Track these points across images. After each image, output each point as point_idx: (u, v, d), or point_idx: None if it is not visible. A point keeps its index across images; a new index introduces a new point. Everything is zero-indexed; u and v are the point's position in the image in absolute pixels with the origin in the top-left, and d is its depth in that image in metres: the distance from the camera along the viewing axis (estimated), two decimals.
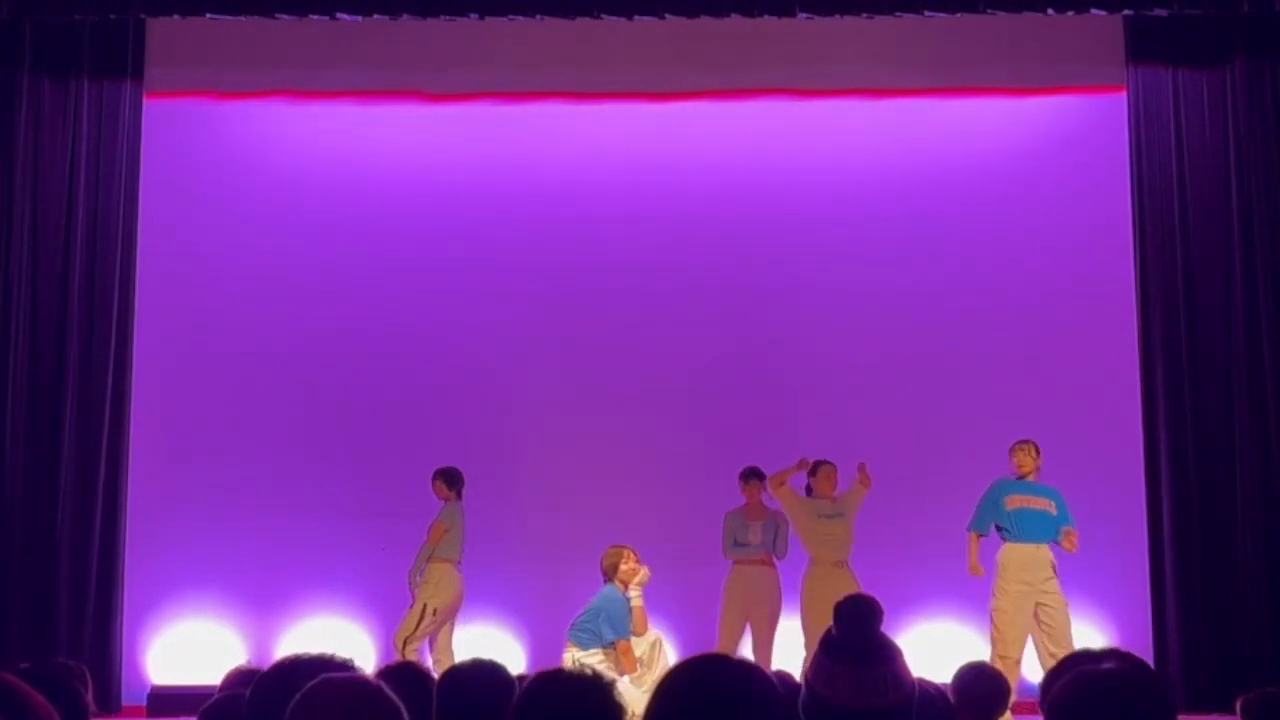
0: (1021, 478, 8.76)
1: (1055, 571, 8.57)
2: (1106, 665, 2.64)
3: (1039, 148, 10.37)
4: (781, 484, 9.19)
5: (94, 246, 10.08)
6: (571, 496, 9.96)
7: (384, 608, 9.68)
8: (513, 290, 10.32)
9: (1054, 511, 8.62)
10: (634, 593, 8.87)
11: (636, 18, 9.60)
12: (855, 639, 2.74)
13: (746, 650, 9.16)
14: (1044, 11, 9.56)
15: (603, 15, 9.56)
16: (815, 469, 9.23)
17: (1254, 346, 9.75)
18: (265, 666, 3.17)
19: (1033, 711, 5.69)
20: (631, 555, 8.96)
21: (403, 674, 3.53)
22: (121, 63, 10.24)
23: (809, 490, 9.22)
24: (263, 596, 9.96)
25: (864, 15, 9.60)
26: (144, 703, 9.62)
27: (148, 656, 9.98)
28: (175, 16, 9.82)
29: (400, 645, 9.02)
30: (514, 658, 9.59)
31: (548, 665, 3.04)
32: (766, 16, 9.56)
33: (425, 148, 10.49)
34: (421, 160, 10.49)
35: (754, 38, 10.12)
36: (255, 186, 10.44)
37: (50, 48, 10.17)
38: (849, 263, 10.29)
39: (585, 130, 10.48)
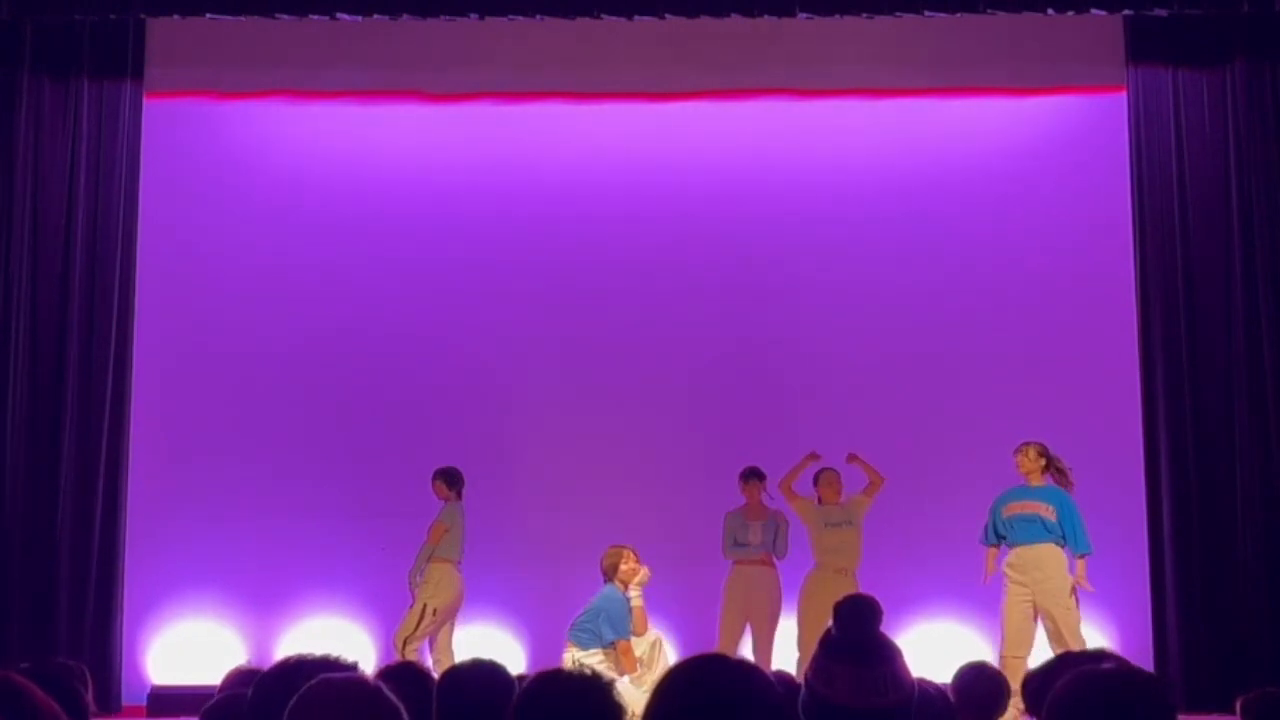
0: (1025, 481, 8.74)
1: (1058, 571, 8.49)
2: (1105, 665, 2.64)
3: (1039, 148, 10.37)
4: (790, 486, 9.20)
5: (94, 246, 10.08)
6: (571, 496, 9.96)
7: (384, 608, 9.68)
8: (513, 290, 10.32)
9: (1049, 515, 8.57)
10: (634, 593, 8.87)
11: (636, 18, 9.60)
12: (855, 639, 2.74)
13: (746, 650, 9.17)
14: (1044, 11, 9.56)
15: (603, 15, 9.56)
16: (818, 477, 9.24)
17: (1254, 346, 9.75)
18: (265, 666, 3.17)
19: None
20: (631, 555, 8.96)
21: (403, 674, 3.53)
22: (121, 63, 10.24)
23: (819, 499, 9.23)
24: (263, 596, 9.96)
25: (864, 15, 9.60)
26: (144, 703, 9.62)
27: (148, 656, 9.98)
28: (175, 16, 9.82)
29: (400, 645, 9.02)
30: (514, 658, 9.59)
31: (548, 665, 3.04)
32: (766, 16, 9.56)
33: (425, 148, 10.49)
34: (421, 160, 10.49)
35: (754, 38, 10.12)
36: (255, 186, 10.44)
37: (50, 48, 10.17)
38: (849, 263, 10.29)
39: (585, 130, 10.48)
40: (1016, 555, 8.56)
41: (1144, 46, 10.13)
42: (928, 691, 3.79)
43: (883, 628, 2.84)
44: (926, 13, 9.51)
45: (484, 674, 3.43)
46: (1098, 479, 9.52)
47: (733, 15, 9.53)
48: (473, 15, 9.56)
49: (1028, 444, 8.77)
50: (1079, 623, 8.43)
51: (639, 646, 8.79)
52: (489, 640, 9.65)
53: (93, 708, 3.68)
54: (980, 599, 9.46)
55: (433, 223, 10.43)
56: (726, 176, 10.38)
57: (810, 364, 10.20)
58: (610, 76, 10.44)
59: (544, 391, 10.21)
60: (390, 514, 9.75)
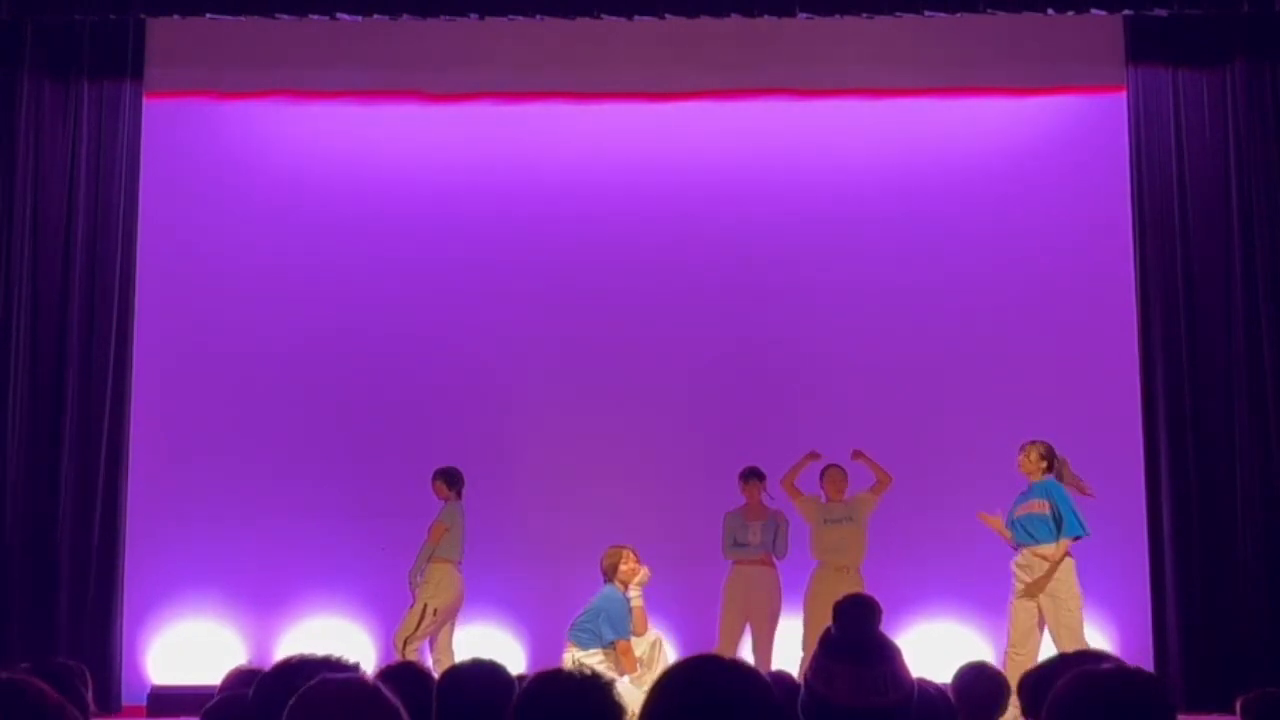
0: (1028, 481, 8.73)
1: (1061, 571, 8.45)
2: (1105, 665, 2.63)
3: (1039, 148, 10.37)
4: (792, 484, 9.20)
5: (94, 246, 10.08)
6: (571, 496, 9.96)
7: (384, 608, 9.68)
8: (513, 290, 10.32)
9: (1046, 511, 8.55)
10: (634, 593, 8.87)
11: (636, 18, 9.61)
12: (855, 638, 2.74)
13: (746, 650, 9.17)
14: (1044, 11, 9.56)
15: (603, 15, 9.56)
16: (823, 473, 9.25)
17: (1254, 346, 9.75)
18: (265, 666, 3.17)
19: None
20: (631, 555, 8.96)
21: (403, 674, 3.54)
22: (121, 63, 10.24)
23: (824, 495, 9.23)
24: (263, 596, 9.96)
25: (864, 15, 9.60)
26: (144, 703, 9.62)
27: (148, 656, 9.98)
28: (175, 16, 9.83)
29: (400, 645, 9.02)
30: (514, 658, 9.59)
31: (548, 665, 3.04)
32: (766, 16, 9.56)
33: (425, 148, 10.49)
34: (421, 160, 10.49)
35: (754, 38, 10.12)
36: (255, 186, 10.44)
37: (50, 48, 10.17)
38: (849, 262, 10.28)
39: (585, 130, 10.48)
40: (1023, 556, 8.56)
41: (1144, 46, 10.13)
42: (928, 691, 3.79)
43: (883, 627, 2.84)
44: (926, 13, 9.52)
45: (484, 674, 3.43)
46: (1098, 479, 9.50)
47: (733, 15, 9.53)
48: (473, 15, 9.56)
49: (1030, 444, 8.73)
50: (1080, 624, 8.39)
51: (639, 646, 8.79)
52: (489, 640, 9.65)
53: (93, 708, 3.68)
54: (980, 599, 9.48)
55: (433, 223, 10.43)
56: (726, 176, 10.38)
57: (810, 364, 10.20)
58: (610, 76, 10.44)
59: (544, 391, 10.21)
60: (390, 514, 9.75)
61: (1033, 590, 8.43)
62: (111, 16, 9.85)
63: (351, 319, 10.30)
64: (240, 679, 4.18)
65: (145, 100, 10.31)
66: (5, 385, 9.85)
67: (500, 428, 10.15)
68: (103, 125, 10.20)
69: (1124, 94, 10.17)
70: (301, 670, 2.87)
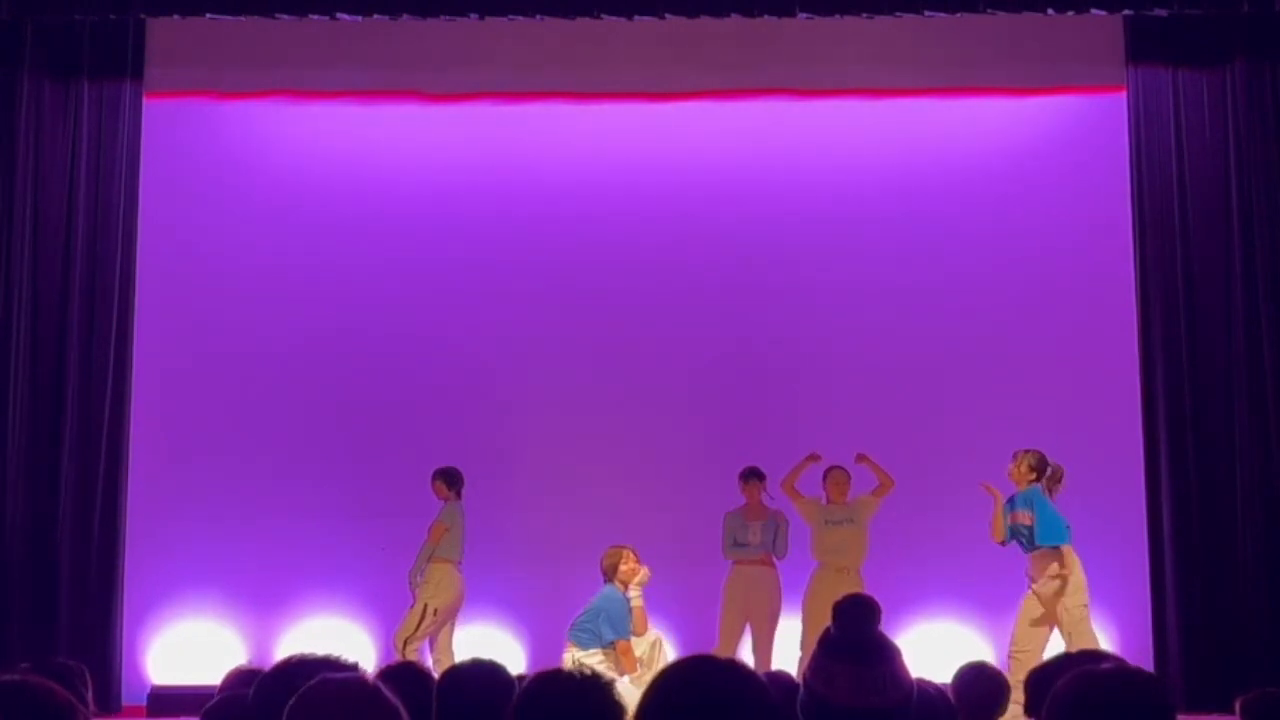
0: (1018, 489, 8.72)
1: (1049, 575, 8.43)
2: (1105, 665, 2.63)
3: (1039, 148, 10.37)
4: (792, 485, 9.20)
5: (94, 246, 10.08)
6: (571, 496, 9.95)
7: (384, 608, 9.68)
8: (513, 290, 10.32)
9: (1030, 521, 8.55)
10: (634, 593, 8.87)
11: (636, 18, 9.60)
12: (854, 638, 2.74)
13: (746, 650, 9.17)
14: (1044, 11, 9.56)
15: (603, 15, 9.56)
16: (826, 474, 9.24)
17: (1254, 346, 9.75)
18: (265, 666, 3.17)
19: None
20: (631, 555, 8.96)
21: (403, 674, 3.54)
22: (121, 63, 10.24)
23: (825, 497, 9.23)
24: (263, 596, 9.96)
25: (864, 15, 9.60)
26: (144, 703, 9.62)
27: (148, 656, 9.98)
28: (175, 16, 9.82)
29: (400, 645, 9.02)
30: (514, 658, 9.59)
31: (548, 665, 3.04)
32: (766, 16, 9.56)
33: (425, 148, 10.49)
34: (421, 160, 10.49)
35: (754, 38, 10.12)
36: (255, 186, 10.44)
37: (50, 48, 10.17)
38: (849, 262, 10.28)
39: (585, 130, 10.48)
40: (1028, 562, 8.56)
41: (1144, 46, 10.13)
42: (928, 691, 3.79)
43: (882, 627, 2.84)
44: (926, 13, 9.51)
45: (484, 674, 3.43)
46: (1098, 479, 9.53)
47: (733, 15, 9.53)
48: (473, 15, 9.56)
49: (1024, 453, 8.70)
50: (1088, 625, 8.36)
51: (639, 646, 8.79)
52: (489, 640, 9.65)
53: (93, 708, 3.68)
54: (980, 599, 9.48)
55: (433, 223, 10.43)
56: (726, 176, 10.38)
57: (810, 363, 10.20)
58: (610, 76, 10.44)
59: (544, 391, 10.20)
60: (390, 514, 9.75)
61: (1040, 595, 8.43)
62: (111, 16, 9.85)
63: (351, 319, 10.30)
64: (240, 679, 4.18)
65: (145, 100, 10.31)
66: (5, 385, 9.85)
67: (500, 428, 10.14)
68: (103, 125, 10.20)
69: (1124, 94, 10.17)
70: (302, 670, 2.87)
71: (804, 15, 9.50)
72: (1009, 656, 8.25)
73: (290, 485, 10.05)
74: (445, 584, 9.15)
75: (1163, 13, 9.67)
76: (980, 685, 4.56)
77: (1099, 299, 10.17)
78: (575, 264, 10.36)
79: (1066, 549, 8.43)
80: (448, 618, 9.22)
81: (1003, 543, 8.69)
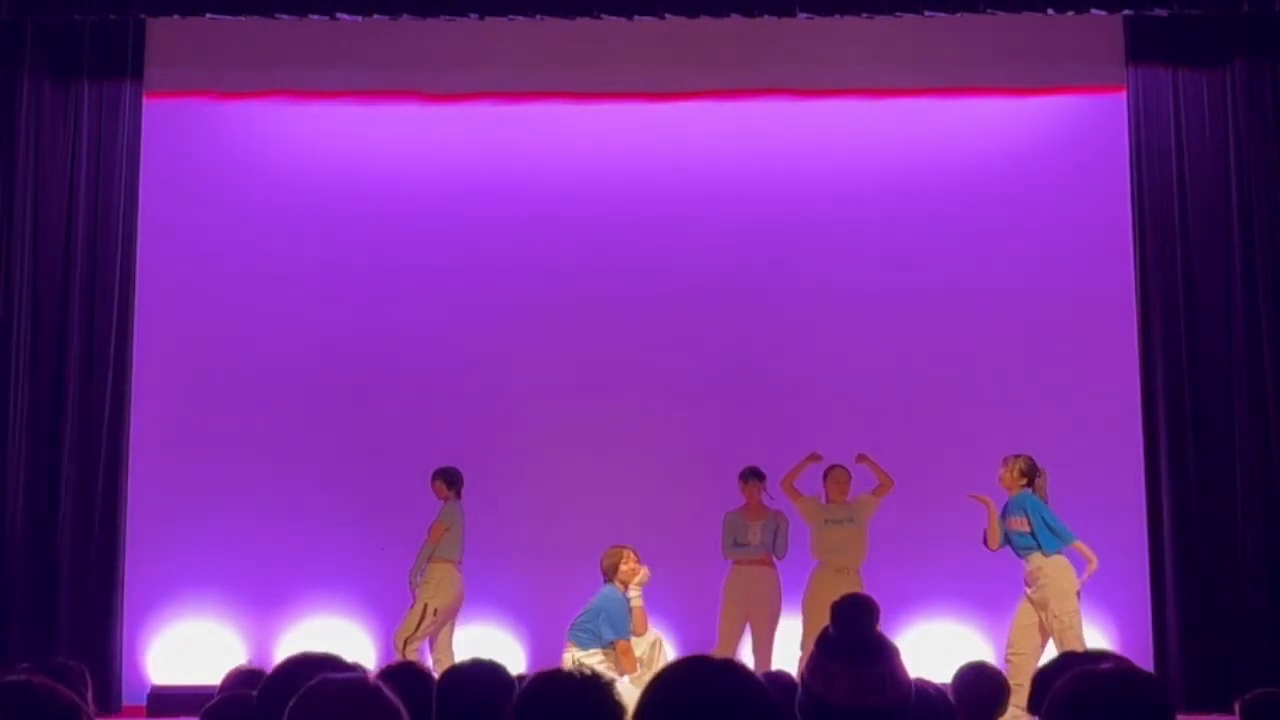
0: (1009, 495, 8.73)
1: (1050, 581, 8.42)
2: (1104, 665, 2.63)
3: (1039, 148, 10.37)
4: (792, 485, 9.20)
5: (94, 246, 10.08)
6: (572, 497, 9.95)
7: (384, 608, 9.68)
8: (513, 290, 10.32)
9: (1024, 527, 8.55)
10: (634, 593, 8.87)
11: (636, 18, 9.60)
12: (853, 638, 2.74)
13: (746, 650, 9.17)
14: (1044, 11, 9.56)
15: (603, 15, 9.56)
16: (826, 474, 9.24)
17: (1254, 346, 9.75)
18: (265, 666, 3.18)
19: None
20: (631, 555, 8.96)
21: (403, 674, 3.54)
22: (121, 63, 10.24)
23: (826, 496, 9.23)
24: (263, 596, 9.96)
25: (864, 15, 9.60)
26: (144, 703, 9.62)
27: (148, 656, 9.98)
28: (175, 16, 9.82)
29: (400, 645, 9.02)
30: (514, 658, 9.59)
31: (548, 665, 3.04)
32: (766, 16, 9.56)
33: (425, 148, 10.49)
34: (421, 160, 10.49)
35: (754, 38, 10.12)
36: (255, 186, 10.44)
37: (50, 48, 10.17)
38: (849, 262, 10.28)
39: (585, 130, 10.48)
40: (1024, 569, 8.57)
41: (1144, 46, 10.13)
42: (927, 691, 3.79)
43: (882, 628, 2.85)
44: (926, 13, 9.51)
45: (484, 674, 3.43)
46: (1098, 479, 9.54)
47: (733, 15, 9.53)
48: (473, 15, 9.56)
49: (1013, 458, 8.71)
50: (1078, 630, 8.35)
51: (639, 646, 8.79)
52: (489, 640, 9.65)
53: (93, 708, 3.69)
54: (980, 599, 9.48)
55: (433, 223, 10.43)
56: (726, 176, 10.38)
57: (810, 363, 10.19)
58: (610, 76, 10.44)
59: (544, 392, 10.20)
60: (390, 514, 9.74)
61: (1035, 602, 8.43)
62: (111, 16, 9.85)
63: (351, 319, 10.30)
64: (240, 679, 4.19)
65: (145, 100, 10.31)
66: (6, 385, 9.85)
67: (500, 428, 10.14)
68: (103, 125, 10.20)
69: (1124, 94, 10.17)
70: (305, 669, 2.87)
71: (804, 15, 9.49)
72: (1005, 660, 8.24)
73: (290, 485, 10.05)
74: (445, 584, 9.15)
75: (1163, 13, 9.67)
76: (980, 685, 4.56)
77: (1099, 299, 10.17)
78: (575, 264, 10.36)
79: (1059, 558, 8.45)
80: (448, 618, 9.22)
81: (996, 549, 8.70)
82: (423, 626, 9.07)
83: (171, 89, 10.42)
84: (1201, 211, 9.94)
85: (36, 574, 9.71)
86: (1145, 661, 9.06)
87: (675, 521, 9.69)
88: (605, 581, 8.92)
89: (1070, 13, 9.60)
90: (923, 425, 9.97)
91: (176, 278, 10.30)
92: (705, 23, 9.67)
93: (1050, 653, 8.16)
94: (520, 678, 3.26)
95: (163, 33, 10.36)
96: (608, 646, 8.70)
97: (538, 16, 9.57)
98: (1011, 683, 5.03)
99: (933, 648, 9.31)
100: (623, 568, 8.89)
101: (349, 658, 3.28)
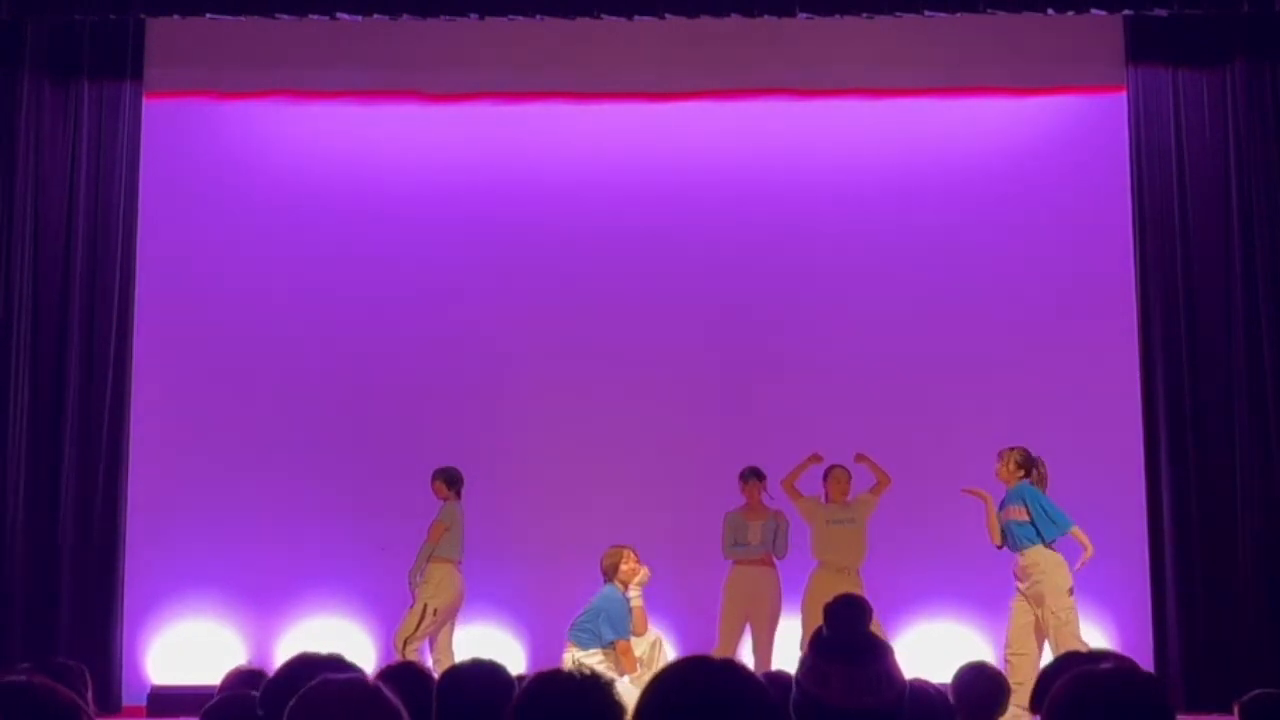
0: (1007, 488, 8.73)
1: (1046, 574, 8.43)
2: (1104, 665, 2.63)
3: (1039, 148, 10.37)
4: (793, 485, 9.19)
5: (94, 246, 10.08)
6: (572, 497, 9.95)
7: (384, 608, 9.68)
8: (512, 290, 10.32)
9: (1023, 516, 8.54)
10: (634, 593, 8.88)
11: (636, 18, 9.60)
12: (847, 638, 2.74)
13: (747, 650, 9.17)
14: (1044, 11, 9.56)
15: (603, 15, 9.56)
16: (827, 473, 9.24)
17: (1254, 346, 9.75)
18: (265, 666, 3.18)
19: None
20: (632, 555, 8.96)
21: (403, 674, 3.54)
22: (121, 63, 10.24)
23: (826, 496, 9.23)
24: (263, 596, 9.96)
25: (864, 15, 9.60)
26: (144, 703, 9.62)
27: (148, 656, 9.98)
28: (175, 16, 9.82)
29: (400, 645, 9.02)
30: (514, 658, 9.59)
31: (548, 665, 3.04)
32: (766, 16, 9.56)
33: (425, 148, 10.49)
34: (421, 160, 10.49)
35: (754, 38, 10.12)
36: (255, 186, 10.44)
37: (50, 48, 10.17)
38: (849, 262, 10.29)
39: (585, 130, 10.48)
40: (1015, 563, 8.57)
41: (1144, 46, 10.13)
42: (927, 691, 3.80)
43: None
44: (926, 13, 9.51)
45: (484, 674, 3.43)
46: (1098, 479, 9.54)
47: (733, 15, 9.53)
48: (473, 15, 9.56)
49: (1008, 450, 8.71)
50: (1074, 626, 8.36)
51: (639, 646, 8.79)
52: (489, 640, 9.65)
53: (93, 708, 3.69)
54: (980, 599, 9.47)
55: (432, 223, 10.43)
56: (726, 176, 10.38)
57: (810, 363, 10.20)
58: (610, 76, 10.44)
59: (544, 391, 10.20)
60: (390, 514, 9.74)
61: (1030, 597, 8.43)
62: (111, 16, 9.85)
63: (351, 319, 10.30)
64: (240, 679, 4.19)
65: (145, 100, 10.31)
66: (6, 385, 9.86)
67: (500, 427, 10.14)
68: (103, 125, 10.20)
69: (1124, 94, 10.17)
70: (308, 669, 2.88)
71: (804, 15, 9.49)
72: (1005, 660, 8.24)
73: (290, 485, 10.05)
74: (445, 584, 9.15)
75: (1163, 13, 9.66)
76: (980, 685, 4.56)
77: (1099, 299, 10.17)
78: (576, 264, 10.36)
79: (1053, 553, 8.44)
80: (447, 618, 9.22)
81: (1000, 546, 8.70)
82: (422, 626, 9.07)
83: (171, 89, 10.42)
84: (1201, 211, 9.94)
85: (36, 574, 9.71)
86: (1145, 661, 9.06)
87: (675, 521, 9.69)
88: (605, 581, 8.93)
89: (1070, 13, 9.59)
90: (923, 425, 9.97)
91: (176, 277, 10.30)
92: (705, 23, 9.67)
93: (1050, 650, 8.17)
94: (520, 678, 3.26)
95: (163, 33, 10.36)
96: (608, 646, 8.70)
97: (538, 16, 9.57)
98: (1011, 682, 5.03)
99: (933, 648, 9.31)
100: (623, 567, 8.90)
101: (349, 658, 3.28)
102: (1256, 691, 3.95)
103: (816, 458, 9.25)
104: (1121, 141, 10.14)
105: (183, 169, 10.41)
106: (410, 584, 9.17)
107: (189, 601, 9.98)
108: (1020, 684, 6.48)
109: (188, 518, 9.97)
